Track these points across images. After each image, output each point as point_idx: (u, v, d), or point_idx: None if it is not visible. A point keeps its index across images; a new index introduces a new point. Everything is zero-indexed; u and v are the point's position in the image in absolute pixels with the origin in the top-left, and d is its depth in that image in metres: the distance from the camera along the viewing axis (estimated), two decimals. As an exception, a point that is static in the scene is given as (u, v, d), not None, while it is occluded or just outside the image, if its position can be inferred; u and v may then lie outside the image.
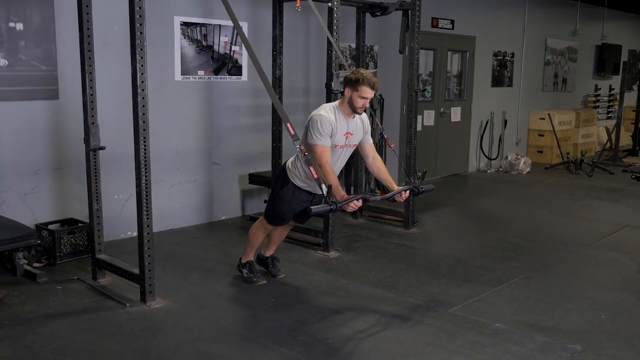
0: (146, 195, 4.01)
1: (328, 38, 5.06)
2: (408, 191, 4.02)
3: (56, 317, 3.92)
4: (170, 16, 5.80)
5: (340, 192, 3.78)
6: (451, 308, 4.18)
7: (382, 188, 4.30)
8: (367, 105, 4.06)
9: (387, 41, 7.85)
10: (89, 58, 4.33)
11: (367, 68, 7.55)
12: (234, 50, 6.34)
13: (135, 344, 3.57)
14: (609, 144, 11.51)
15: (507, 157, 10.09)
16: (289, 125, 3.68)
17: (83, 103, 4.37)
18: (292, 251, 5.35)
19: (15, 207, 4.98)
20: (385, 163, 4.39)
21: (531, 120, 11.09)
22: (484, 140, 10.02)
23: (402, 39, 6.32)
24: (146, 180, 4.00)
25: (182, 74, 5.96)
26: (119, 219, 5.59)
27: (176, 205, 6.08)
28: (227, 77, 6.34)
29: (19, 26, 4.86)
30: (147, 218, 4.05)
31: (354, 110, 4.05)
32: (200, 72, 6.10)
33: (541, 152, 11.02)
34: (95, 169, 4.47)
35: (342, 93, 4.10)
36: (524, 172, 9.89)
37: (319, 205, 3.60)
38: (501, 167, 10.14)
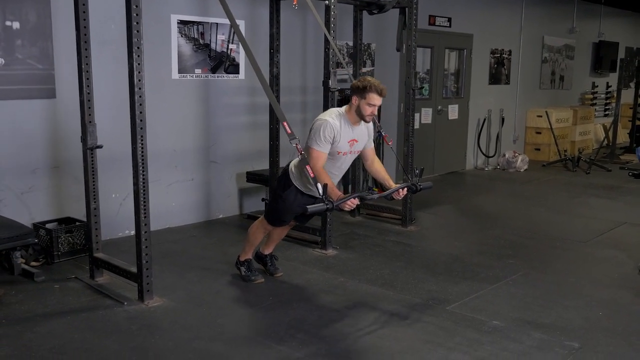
0: (144, 194, 4.01)
1: (325, 36, 5.06)
2: (406, 189, 4.03)
3: (54, 316, 3.92)
4: (167, 14, 5.79)
5: (336, 192, 3.80)
6: (449, 305, 4.19)
7: (380, 186, 4.30)
8: (376, 112, 4.02)
9: (384, 39, 7.85)
10: (86, 57, 4.33)
11: (364, 66, 7.56)
12: (231, 49, 6.34)
13: (132, 343, 3.57)
14: (606, 142, 11.53)
15: (504, 155, 10.10)
16: (285, 124, 3.67)
17: (80, 102, 4.36)
18: (289, 249, 5.35)
19: (12, 206, 4.97)
20: (383, 161, 4.41)
21: (528, 117, 11.10)
22: (481, 137, 10.03)
23: (400, 37, 6.32)
24: (144, 178, 3.99)
25: (179, 73, 5.95)
26: (116, 218, 5.58)
27: (174, 203, 6.07)
28: (225, 75, 6.33)
29: (16, 25, 4.85)
30: (145, 217, 4.05)
31: (362, 118, 4.02)
32: (198, 71, 6.10)
33: (538, 149, 11.04)
34: (93, 167, 4.47)
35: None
36: (522, 170, 9.90)
37: (315, 205, 3.61)
38: (499, 165, 10.15)
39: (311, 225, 5.46)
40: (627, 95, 12.78)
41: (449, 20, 8.98)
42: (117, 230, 5.62)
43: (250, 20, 6.41)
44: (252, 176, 6.46)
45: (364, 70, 7.42)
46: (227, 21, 5.97)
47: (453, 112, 9.47)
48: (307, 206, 3.55)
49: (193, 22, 5.99)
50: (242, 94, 6.52)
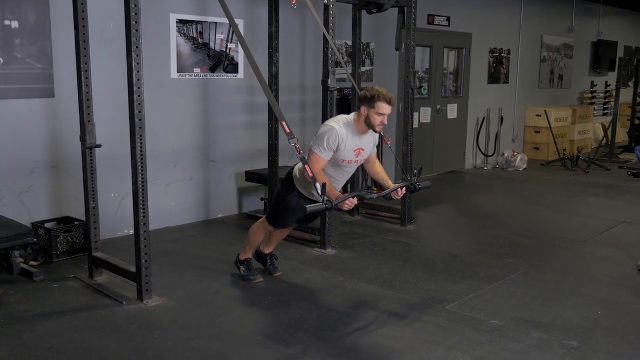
0: (142, 193, 4.01)
1: (324, 35, 5.06)
2: (404, 188, 4.03)
3: (52, 315, 3.92)
4: (165, 14, 5.79)
5: (334, 192, 3.81)
6: (448, 305, 4.19)
7: (379, 186, 4.30)
8: (386, 122, 3.97)
9: (383, 38, 7.85)
10: (85, 56, 4.32)
11: (363, 65, 7.56)
12: (229, 48, 6.34)
13: (131, 342, 3.57)
14: (605, 141, 11.53)
15: (503, 154, 10.11)
16: (284, 123, 3.67)
17: (79, 101, 4.36)
18: (289, 248, 5.35)
19: (11, 205, 4.97)
20: (381, 160, 4.41)
21: (527, 116, 11.11)
22: (480, 137, 10.03)
23: (398, 36, 6.32)
24: (142, 178, 3.99)
25: (178, 72, 5.95)
26: (115, 217, 5.58)
27: (173, 203, 6.07)
28: (223, 74, 6.33)
29: (14, 24, 4.85)
30: (144, 216, 4.05)
31: (372, 128, 3.98)
32: (196, 70, 6.10)
33: (537, 148, 11.04)
34: (92, 167, 4.47)
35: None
36: (520, 169, 9.90)
37: (314, 204, 3.62)
38: (497, 164, 10.15)
39: (310, 225, 5.47)
40: (626, 94, 12.79)
41: (448, 19, 8.98)
42: (116, 230, 5.61)
43: (249, 19, 6.40)
44: (251, 175, 6.46)
45: (362, 69, 7.42)
46: (226, 20, 5.95)
47: (452, 111, 9.48)
48: (307, 205, 3.56)
49: (192, 22, 5.99)
50: (241, 93, 6.52)
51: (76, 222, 5.14)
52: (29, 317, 3.89)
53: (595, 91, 12.98)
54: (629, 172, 9.05)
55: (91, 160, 4.45)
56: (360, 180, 6.89)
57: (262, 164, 6.40)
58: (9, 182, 4.97)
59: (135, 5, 3.79)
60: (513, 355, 3.47)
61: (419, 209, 6.80)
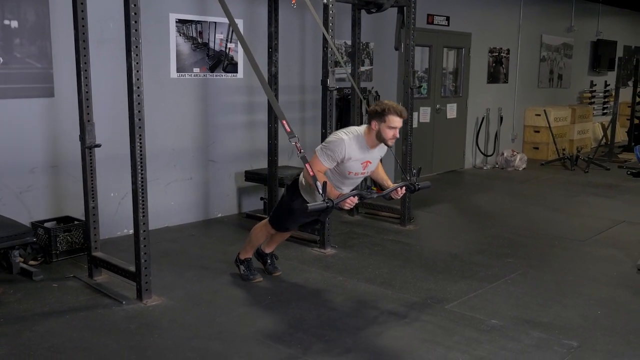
0: (142, 193, 4.01)
1: (324, 35, 5.06)
2: (404, 188, 4.03)
3: (52, 315, 3.92)
4: (165, 13, 5.79)
5: (335, 191, 3.82)
6: (448, 304, 4.19)
7: (378, 185, 4.30)
8: (398, 135, 3.95)
9: (382, 38, 7.85)
10: (84, 55, 4.32)
11: (362, 65, 7.55)
12: (229, 48, 6.33)
13: (131, 342, 3.57)
14: (604, 140, 11.54)
15: (503, 154, 10.11)
16: (284, 122, 3.67)
17: (78, 100, 4.36)
18: (288, 248, 5.35)
19: (10, 205, 4.97)
20: (381, 160, 4.39)
21: (527, 116, 11.11)
22: (479, 136, 10.03)
23: (398, 36, 6.32)
24: (142, 178, 3.99)
25: (177, 72, 5.95)
26: (115, 217, 5.58)
27: (172, 202, 6.07)
28: (223, 74, 6.33)
29: (14, 24, 4.85)
30: (143, 216, 4.04)
31: (384, 142, 3.95)
32: (196, 70, 6.09)
33: (537, 148, 11.05)
34: (91, 166, 4.47)
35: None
36: (520, 169, 9.90)
37: (315, 203, 3.61)
38: (497, 164, 10.15)
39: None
40: (626, 94, 12.79)
41: (447, 19, 8.98)
42: (116, 229, 5.61)
43: (249, 19, 6.40)
44: (250, 175, 6.46)
45: (362, 69, 7.42)
46: (225, 20, 5.95)
47: (451, 111, 9.48)
48: (307, 204, 3.56)
49: (191, 21, 5.99)
50: (241, 93, 6.52)
51: (76, 222, 5.14)
52: (29, 316, 3.89)
53: (594, 91, 12.98)
54: (629, 172, 9.08)
55: (91, 159, 4.45)
56: (359, 180, 6.89)
57: (262, 163, 6.40)
58: (9, 181, 4.97)
59: (134, 5, 3.79)
60: (513, 355, 3.47)
61: (419, 208, 6.81)
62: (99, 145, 4.42)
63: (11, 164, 4.97)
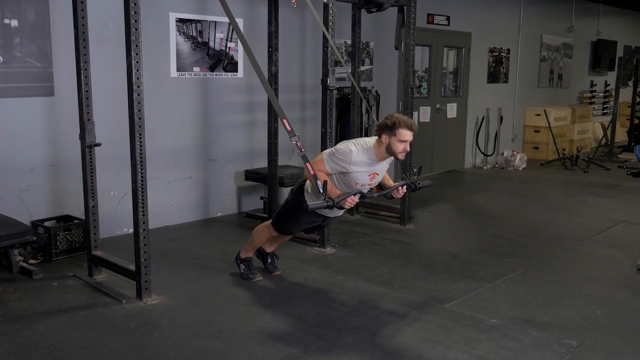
0: (142, 192, 4.01)
1: (324, 34, 5.06)
2: (405, 187, 4.03)
3: (52, 313, 3.92)
4: (165, 13, 5.79)
5: (335, 190, 3.82)
6: (447, 304, 4.19)
7: (379, 185, 4.30)
8: (408, 149, 3.92)
9: (382, 37, 7.85)
10: (84, 54, 4.32)
11: (363, 64, 7.56)
12: (229, 47, 6.33)
13: (131, 341, 3.57)
14: (604, 140, 11.54)
15: (503, 154, 10.11)
16: (285, 121, 3.66)
17: (78, 100, 4.36)
18: (288, 247, 5.35)
19: (11, 204, 4.97)
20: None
21: (527, 116, 11.11)
22: (479, 136, 10.03)
23: (398, 36, 6.32)
24: (142, 177, 3.99)
25: (177, 71, 5.95)
26: (114, 216, 5.58)
27: (172, 202, 6.07)
28: (223, 73, 6.33)
29: (14, 23, 4.85)
30: (143, 215, 4.05)
31: (394, 155, 3.92)
32: (196, 69, 6.10)
33: (537, 148, 11.05)
34: (91, 165, 4.47)
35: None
36: (520, 169, 9.90)
37: (316, 202, 3.61)
38: (497, 164, 10.15)
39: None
40: (626, 94, 12.79)
41: (448, 18, 8.98)
42: (116, 228, 5.61)
43: (249, 18, 6.40)
44: (250, 174, 6.46)
45: (362, 68, 7.42)
46: (225, 19, 5.97)
47: (451, 110, 9.48)
48: (309, 203, 3.56)
49: (191, 20, 5.99)
50: (241, 92, 6.52)
51: (76, 221, 5.14)
52: (29, 315, 3.89)
53: (594, 91, 12.98)
54: (629, 172, 9.09)
55: (91, 159, 4.45)
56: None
57: (262, 163, 6.40)
58: (9, 180, 4.97)
59: (134, 4, 3.79)
60: (512, 354, 3.47)
61: (419, 208, 6.81)
62: (99, 144, 4.42)
63: (11, 163, 4.97)
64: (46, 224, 5.05)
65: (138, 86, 3.88)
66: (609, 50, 13.02)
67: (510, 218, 6.70)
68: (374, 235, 5.90)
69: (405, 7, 6.05)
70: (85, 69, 4.33)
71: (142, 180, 3.99)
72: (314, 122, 6.95)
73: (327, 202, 3.55)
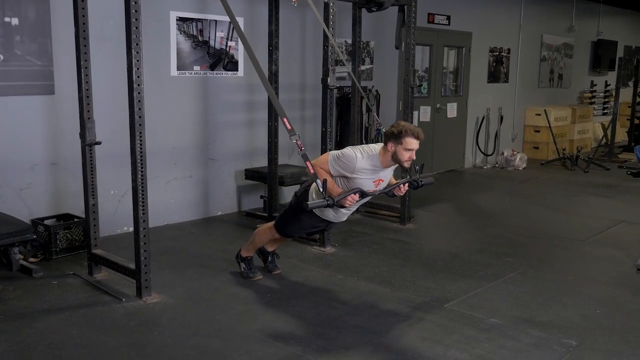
0: (142, 191, 4.01)
1: (324, 33, 5.06)
2: (407, 184, 4.02)
3: (52, 312, 3.92)
4: (166, 11, 5.79)
5: (336, 189, 3.82)
6: (447, 303, 4.19)
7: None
8: (414, 157, 3.90)
9: (383, 37, 7.85)
10: (85, 53, 4.32)
11: (363, 64, 7.56)
12: (229, 46, 6.33)
13: (131, 339, 3.57)
14: (604, 140, 11.54)
15: (503, 153, 10.11)
16: (285, 120, 3.66)
17: (79, 98, 4.36)
18: (288, 247, 5.34)
19: (11, 202, 4.97)
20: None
21: (527, 116, 11.11)
22: (480, 136, 10.03)
23: (398, 35, 6.32)
24: (142, 175, 3.99)
25: (178, 70, 5.95)
26: (115, 215, 5.58)
27: (172, 200, 6.07)
28: (223, 72, 6.33)
29: (15, 21, 4.84)
30: (143, 213, 4.04)
31: (399, 163, 3.91)
32: (196, 68, 6.09)
33: (537, 148, 11.05)
34: (91, 164, 4.47)
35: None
36: (520, 168, 9.91)
37: (316, 201, 3.61)
38: (497, 163, 10.16)
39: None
40: (626, 94, 12.80)
41: (448, 18, 8.98)
42: (116, 227, 5.61)
43: (249, 17, 6.40)
44: (250, 173, 6.46)
45: (362, 68, 7.42)
46: (226, 18, 5.97)
47: (452, 110, 9.48)
48: (309, 202, 3.55)
49: (192, 19, 5.99)
50: (241, 92, 6.52)
51: (76, 219, 5.14)
52: (28, 313, 3.89)
53: (595, 91, 12.98)
54: (629, 172, 9.09)
55: (91, 157, 4.45)
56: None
57: (262, 162, 6.40)
58: (9, 178, 4.97)
59: (135, 3, 3.79)
60: (512, 354, 3.47)
61: (419, 207, 6.81)
62: (99, 143, 4.42)
63: (11, 161, 4.97)
64: (46, 222, 5.05)
65: (138, 85, 3.88)
66: (609, 51, 13.02)
67: (510, 218, 6.71)
68: (373, 234, 5.91)
69: (405, 7, 6.05)
70: (86, 68, 4.33)
71: (142, 179, 3.99)
72: (314, 121, 6.95)
73: (327, 200, 3.55)
